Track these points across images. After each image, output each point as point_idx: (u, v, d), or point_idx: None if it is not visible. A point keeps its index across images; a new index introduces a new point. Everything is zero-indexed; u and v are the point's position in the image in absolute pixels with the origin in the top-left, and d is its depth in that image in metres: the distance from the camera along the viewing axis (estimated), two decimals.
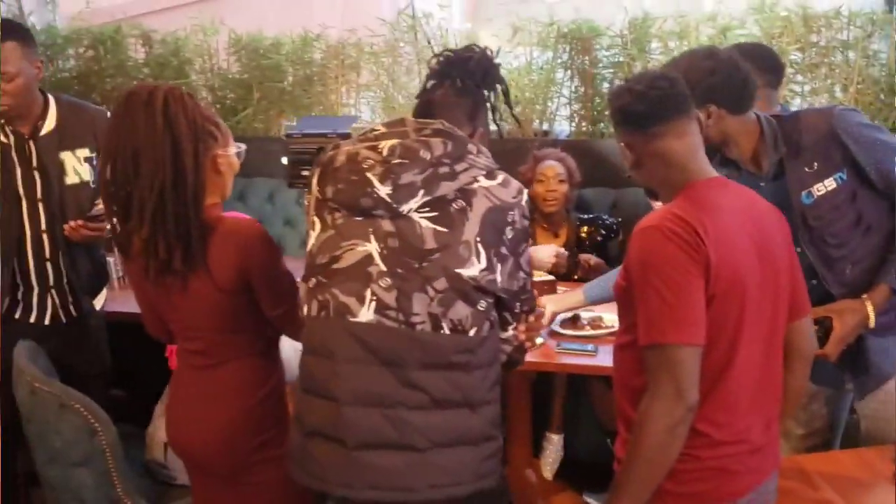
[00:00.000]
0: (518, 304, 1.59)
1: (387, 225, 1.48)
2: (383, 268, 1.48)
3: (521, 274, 1.57)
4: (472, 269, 1.47)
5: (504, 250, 1.51)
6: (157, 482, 2.35)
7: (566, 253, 2.84)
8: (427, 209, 1.47)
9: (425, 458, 1.47)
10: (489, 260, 1.49)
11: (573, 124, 3.57)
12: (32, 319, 2.45)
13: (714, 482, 1.50)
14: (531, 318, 1.68)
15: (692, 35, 3.33)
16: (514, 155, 3.02)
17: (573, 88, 3.52)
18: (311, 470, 1.53)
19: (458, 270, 1.47)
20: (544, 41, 3.48)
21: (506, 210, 1.51)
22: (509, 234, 1.52)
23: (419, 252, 1.47)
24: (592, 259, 2.89)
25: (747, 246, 1.50)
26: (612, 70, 3.44)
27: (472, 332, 1.50)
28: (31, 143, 2.35)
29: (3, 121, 2.31)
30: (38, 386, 2.07)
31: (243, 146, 1.79)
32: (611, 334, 2.36)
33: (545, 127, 3.60)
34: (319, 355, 1.53)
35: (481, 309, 1.51)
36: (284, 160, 1.80)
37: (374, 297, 1.47)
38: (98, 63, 3.94)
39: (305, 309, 1.56)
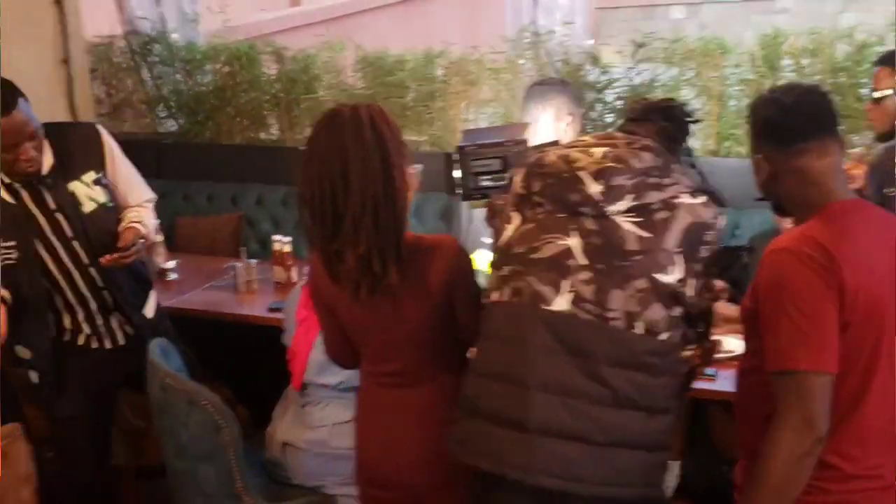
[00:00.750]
0: (700, 323, 1.59)
1: (590, 223, 1.52)
2: (584, 262, 1.50)
3: (707, 295, 1.58)
4: (670, 277, 1.49)
5: (697, 267, 1.52)
6: (273, 481, 2.42)
7: None
8: (632, 214, 1.50)
9: (600, 453, 1.47)
10: (685, 272, 1.50)
11: (698, 142, 3.48)
12: (95, 346, 2.47)
13: None
14: (708, 345, 1.66)
15: (826, 52, 3.19)
16: None
17: (699, 106, 3.44)
18: (486, 451, 1.54)
19: (657, 275, 1.48)
20: (669, 58, 3.42)
21: (705, 229, 1.52)
22: (704, 252, 1.52)
23: (621, 252, 1.49)
24: (718, 283, 2.80)
25: (885, 272, 1.44)
26: (740, 88, 3.35)
27: (663, 336, 1.50)
28: (41, 187, 2.31)
29: (7, 179, 2.27)
30: (169, 382, 2.19)
31: (419, 166, 1.78)
32: (732, 359, 2.28)
33: None
34: (505, 341, 1.55)
35: (675, 315, 1.51)
36: (457, 174, 1.83)
37: (572, 289, 1.49)
38: (233, 78, 4.13)
39: (495, 295, 1.59)
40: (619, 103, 3.48)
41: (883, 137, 2.43)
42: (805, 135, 1.50)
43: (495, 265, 1.62)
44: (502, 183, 1.83)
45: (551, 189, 1.55)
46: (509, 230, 1.60)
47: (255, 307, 3.02)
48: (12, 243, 2.26)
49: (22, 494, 1.96)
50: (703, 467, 2.82)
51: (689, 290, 1.51)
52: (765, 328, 1.45)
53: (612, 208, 1.50)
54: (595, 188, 1.50)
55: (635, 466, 1.49)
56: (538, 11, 3.93)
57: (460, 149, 1.84)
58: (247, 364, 3.05)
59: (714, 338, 1.70)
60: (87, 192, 2.35)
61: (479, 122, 3.85)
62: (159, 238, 3.43)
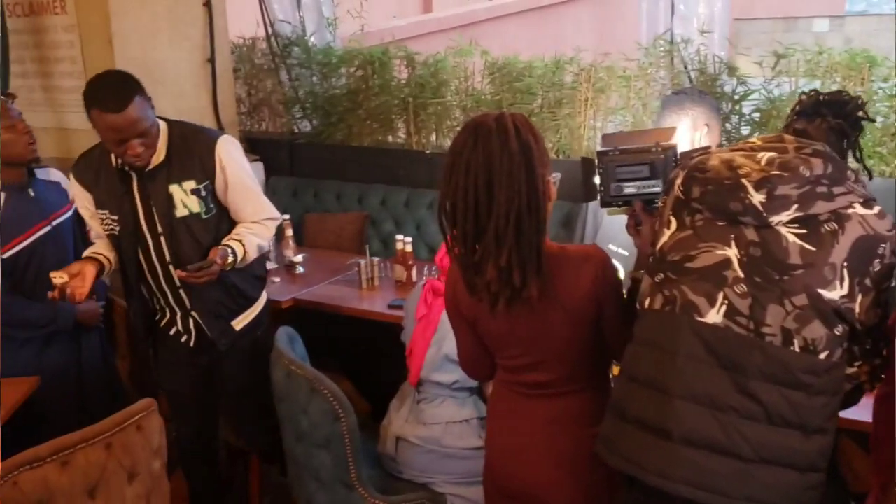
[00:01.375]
0: (870, 340, 1.52)
1: (751, 234, 1.47)
2: (740, 274, 1.46)
3: (879, 311, 1.50)
4: (834, 293, 1.43)
5: (868, 282, 1.46)
6: (385, 474, 2.47)
7: None
8: (796, 225, 1.45)
9: (748, 469, 1.44)
10: (851, 287, 1.44)
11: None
12: (183, 340, 2.62)
13: None
14: (877, 362, 1.57)
15: None
16: None
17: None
18: (628, 455, 1.53)
19: (819, 291, 1.43)
20: (812, 70, 3.27)
21: (878, 241, 1.46)
22: (877, 266, 1.46)
23: (781, 265, 1.44)
24: None
25: None
26: (888, 104, 3.15)
27: (822, 355, 1.44)
28: (144, 177, 2.40)
29: (120, 161, 2.39)
30: (294, 369, 2.27)
31: (559, 175, 1.75)
32: None
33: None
34: (656, 348, 1.53)
35: (837, 333, 1.45)
36: (597, 179, 1.80)
37: (726, 301, 1.46)
38: (366, 82, 4.24)
39: (647, 302, 1.58)
40: (756, 115, 3.35)
41: None
42: None
43: (650, 271, 1.59)
44: (648, 191, 1.77)
45: (711, 196, 1.50)
46: (665, 235, 1.57)
47: (376, 303, 3.09)
48: (116, 216, 2.43)
49: (154, 467, 2.06)
50: (831, 500, 2.68)
51: (857, 307, 1.45)
52: None
53: (776, 218, 1.44)
54: (758, 197, 1.45)
55: (785, 486, 1.44)
56: (675, 20, 3.82)
57: (603, 154, 1.79)
58: (366, 358, 3.14)
59: (883, 357, 1.57)
60: (182, 197, 2.42)
61: (607, 130, 3.80)
62: (289, 233, 3.58)
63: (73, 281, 2.32)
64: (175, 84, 3.82)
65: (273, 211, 2.63)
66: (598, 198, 1.83)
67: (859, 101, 1.66)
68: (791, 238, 1.44)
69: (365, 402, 3.02)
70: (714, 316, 1.46)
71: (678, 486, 1.45)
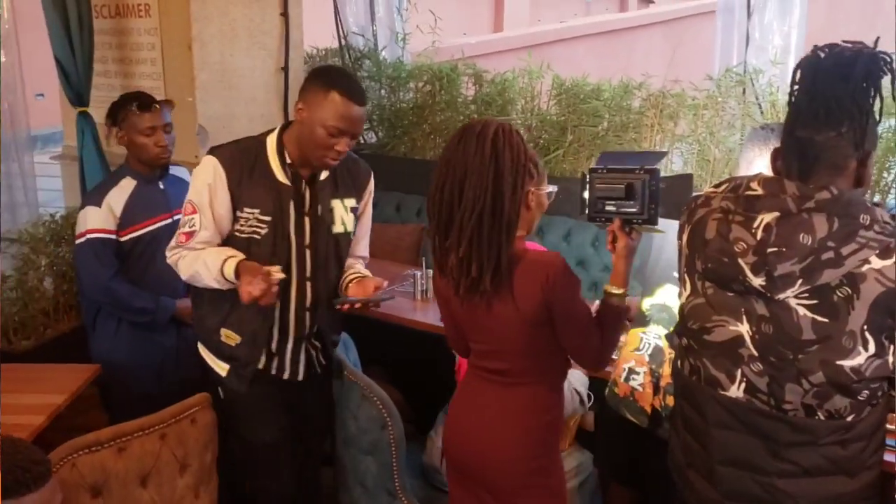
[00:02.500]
0: None
1: (761, 308, 1.42)
2: (754, 352, 1.44)
3: None
4: (858, 359, 1.37)
5: None
6: (429, 485, 2.48)
7: None
8: (806, 295, 1.37)
9: None
10: (878, 345, 1.37)
11: None
12: (286, 376, 2.34)
13: None
14: None
15: None
16: None
17: None
18: (694, 496, 1.60)
19: (839, 363, 1.38)
20: (889, 107, 3.18)
21: None
22: None
23: (795, 342, 1.39)
24: None
25: None
26: None
27: (849, 419, 1.42)
28: (308, 188, 2.24)
29: (289, 160, 2.21)
30: (347, 374, 2.30)
31: (555, 188, 1.88)
32: None
33: (876, 198, 3.29)
34: (693, 409, 1.57)
35: (862, 399, 1.41)
36: (585, 195, 1.85)
37: (745, 379, 1.46)
38: (433, 97, 4.29)
39: (679, 363, 1.61)
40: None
41: None
42: None
43: (677, 331, 1.61)
44: (625, 210, 1.77)
45: (713, 274, 1.48)
46: (683, 297, 1.58)
47: (430, 315, 3.10)
48: (269, 218, 2.19)
49: (205, 459, 2.11)
50: None
51: (891, 357, 1.39)
52: None
53: (782, 295, 1.38)
54: (757, 281, 1.39)
55: None
56: (749, 50, 3.78)
57: (592, 171, 1.83)
58: (416, 369, 3.15)
59: None
60: (342, 214, 2.31)
61: (673, 157, 3.77)
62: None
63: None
64: (248, 90, 3.92)
65: (367, 251, 2.56)
66: (585, 213, 1.87)
67: (875, 56, 1.35)
68: (802, 311, 1.37)
69: (412, 412, 3.04)
70: (735, 391, 1.46)
71: None
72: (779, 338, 1.40)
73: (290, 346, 2.32)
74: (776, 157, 1.49)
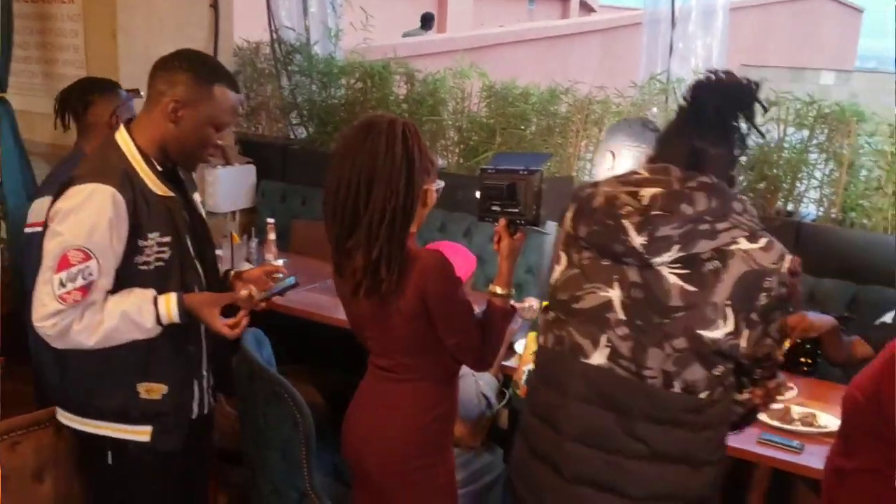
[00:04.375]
0: (759, 370, 1.55)
1: (633, 274, 1.48)
2: (622, 317, 1.49)
3: (769, 341, 1.51)
4: (717, 332, 1.45)
5: (754, 316, 1.47)
6: (342, 483, 2.47)
7: None
8: (679, 265, 1.45)
9: None
10: (737, 324, 1.45)
11: (821, 209, 3.34)
12: (206, 410, 2.10)
13: None
14: (771, 385, 1.61)
15: None
16: None
17: (827, 172, 3.31)
18: (532, 488, 1.60)
19: (700, 332, 1.44)
20: (802, 119, 3.31)
21: (763, 276, 1.46)
22: (763, 300, 1.46)
23: (663, 308, 1.46)
24: None
25: None
26: (873, 159, 3.19)
27: (702, 395, 1.48)
28: (184, 189, 2.06)
29: (159, 168, 1.94)
30: (256, 371, 2.27)
31: (442, 183, 1.87)
32: (823, 435, 2.18)
33: (789, 207, 3.41)
34: (551, 387, 1.58)
35: (717, 374, 1.49)
36: (478, 194, 1.86)
37: (609, 344, 1.49)
38: (364, 95, 4.29)
39: (542, 339, 1.63)
40: (742, 159, 3.37)
41: None
42: None
43: (544, 308, 1.63)
44: (509, 211, 1.79)
45: (596, 237, 1.52)
46: (557, 272, 1.60)
47: None
48: (168, 239, 1.91)
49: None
50: None
51: (743, 342, 1.46)
52: (883, 430, 1.40)
53: (657, 259, 1.45)
54: (639, 240, 1.45)
55: None
56: (673, 59, 3.87)
57: (482, 170, 1.86)
58: (340, 368, 3.14)
59: (778, 379, 1.62)
60: (203, 211, 2.13)
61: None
62: (272, 236, 3.60)
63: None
64: None
65: None
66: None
67: (754, 86, 1.53)
68: (673, 279, 1.45)
69: (332, 411, 3.02)
70: (598, 358, 1.49)
71: None
72: (648, 303, 1.46)
73: (204, 374, 2.08)
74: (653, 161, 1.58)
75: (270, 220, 3.63)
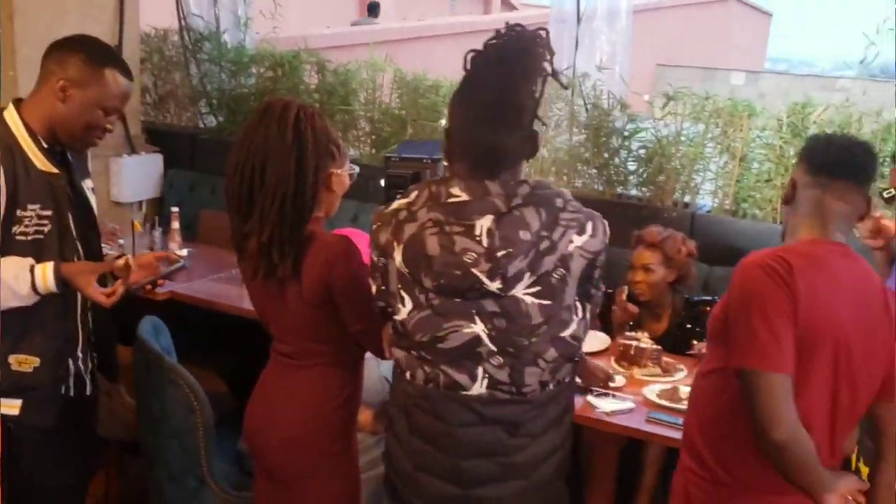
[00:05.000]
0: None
1: (491, 305, 1.47)
2: (493, 348, 1.49)
3: (598, 293, 1.62)
4: (573, 326, 1.52)
5: (592, 290, 1.57)
6: (242, 471, 2.46)
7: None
8: (531, 287, 1.47)
9: (531, 483, 1.57)
10: (583, 307, 1.55)
11: (716, 200, 3.49)
12: (88, 392, 2.08)
13: None
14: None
15: (854, 127, 3.19)
16: (647, 222, 2.99)
17: (721, 164, 3.45)
18: (426, 498, 1.61)
19: (562, 334, 1.50)
20: (698, 114, 3.44)
21: (596, 257, 1.53)
22: (596, 274, 1.55)
23: (527, 328, 1.48)
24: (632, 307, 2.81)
25: (841, 307, 1.53)
26: (763, 152, 3.34)
27: (567, 379, 1.59)
28: (73, 169, 2.03)
29: (46, 145, 1.94)
30: (153, 359, 2.26)
31: (357, 168, 1.88)
32: None
33: (686, 199, 3.54)
34: (431, 416, 1.56)
35: (578, 359, 1.59)
36: (382, 182, 1.88)
37: (487, 375, 1.51)
38: (275, 84, 4.26)
39: (409, 374, 1.58)
40: (642, 152, 3.51)
41: None
42: (833, 172, 1.59)
43: (400, 346, 1.58)
44: None
45: (447, 289, 1.47)
46: (403, 313, 1.53)
47: None
48: (49, 213, 1.92)
49: None
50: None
51: (587, 314, 1.56)
52: (732, 333, 1.53)
53: (513, 292, 1.46)
54: (494, 285, 1.44)
55: (558, 464, 1.60)
56: (579, 55, 3.96)
57: (386, 158, 1.88)
58: (244, 358, 3.12)
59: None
60: (92, 198, 2.11)
61: None
62: (175, 225, 3.55)
63: None
64: None
65: None
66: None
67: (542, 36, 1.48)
68: (529, 300, 1.46)
69: (237, 400, 3.01)
70: (478, 389, 1.51)
71: None
72: (513, 329, 1.47)
73: (80, 354, 2.03)
74: (448, 141, 1.52)
75: (175, 209, 3.58)
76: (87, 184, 2.10)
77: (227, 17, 4.43)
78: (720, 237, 3.20)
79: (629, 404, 2.31)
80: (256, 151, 1.71)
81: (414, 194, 1.53)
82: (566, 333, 1.50)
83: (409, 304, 1.52)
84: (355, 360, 1.90)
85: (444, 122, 3.89)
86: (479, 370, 1.50)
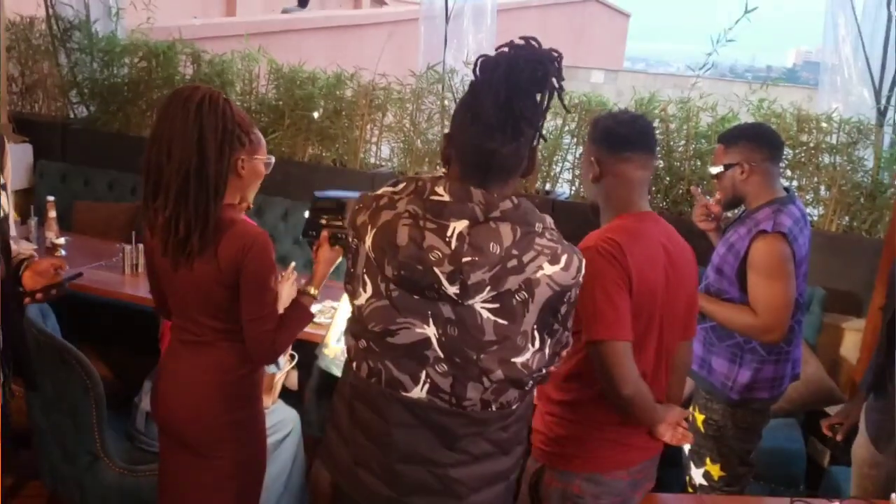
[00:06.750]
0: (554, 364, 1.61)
1: (447, 311, 1.46)
2: (440, 354, 1.48)
3: (566, 335, 1.57)
4: (526, 355, 1.49)
5: (556, 326, 1.53)
6: (134, 447, 2.54)
7: None
8: (490, 301, 1.45)
9: (466, 502, 1.57)
10: (542, 340, 1.51)
11: (573, 187, 3.82)
12: None
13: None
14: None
15: (693, 120, 3.58)
16: None
17: (577, 154, 3.78)
18: (363, 494, 1.61)
19: (513, 360, 1.48)
20: (555, 107, 3.72)
21: (564, 292, 1.49)
22: (563, 310, 1.51)
23: (478, 343, 1.46)
24: None
25: (659, 269, 1.81)
26: None
27: (515, 407, 1.55)
28: None
29: None
30: (43, 339, 2.31)
31: (272, 158, 2.00)
32: None
33: (547, 187, 3.85)
34: (371, 411, 1.56)
35: (528, 389, 1.55)
36: (306, 213, 2.05)
37: (428, 380, 1.49)
38: (149, 74, 4.27)
39: (354, 366, 1.58)
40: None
41: (729, 205, 2.51)
42: (632, 145, 1.81)
43: (353, 333, 1.58)
44: (335, 224, 1.99)
45: (406, 281, 1.47)
46: (362, 298, 1.53)
47: (139, 289, 3.14)
48: None
49: None
50: None
51: (548, 349, 1.52)
52: (579, 309, 1.63)
53: (470, 301, 1.45)
54: (452, 289, 1.43)
55: (500, 494, 1.63)
56: (448, 51, 4.19)
57: (315, 196, 2.07)
58: (127, 343, 3.18)
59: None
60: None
61: (381, 146, 4.11)
62: (52, 214, 3.53)
63: None
64: None
65: None
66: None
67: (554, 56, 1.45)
68: (486, 314, 1.45)
69: (123, 384, 3.06)
70: (418, 392, 1.50)
71: None
72: (464, 339, 1.46)
73: None
74: (447, 144, 1.54)
75: (51, 198, 3.56)
76: None
77: (97, 6, 4.39)
78: (579, 223, 3.48)
79: None
80: (164, 131, 1.83)
81: (402, 185, 1.53)
82: (517, 360, 1.48)
83: (369, 290, 1.52)
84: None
85: (316, 114, 4.06)
86: (423, 374, 1.49)
